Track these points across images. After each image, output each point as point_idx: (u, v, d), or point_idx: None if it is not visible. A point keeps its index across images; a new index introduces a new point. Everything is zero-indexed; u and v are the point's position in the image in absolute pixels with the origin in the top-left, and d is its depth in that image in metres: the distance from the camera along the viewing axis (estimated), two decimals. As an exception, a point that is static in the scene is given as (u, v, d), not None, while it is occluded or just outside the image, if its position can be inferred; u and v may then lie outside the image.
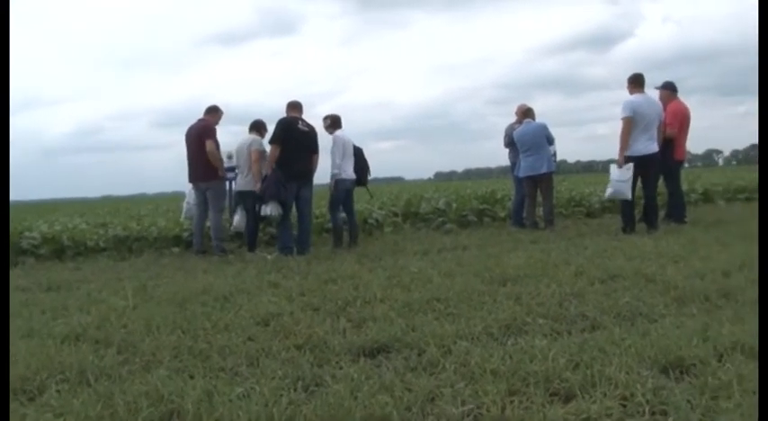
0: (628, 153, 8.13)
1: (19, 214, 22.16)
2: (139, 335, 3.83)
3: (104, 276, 6.74)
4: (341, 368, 3.04)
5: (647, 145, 8.10)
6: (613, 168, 8.34)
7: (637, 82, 8.33)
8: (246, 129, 8.59)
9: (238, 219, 8.50)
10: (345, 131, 8.50)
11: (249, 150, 8.15)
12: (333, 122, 8.47)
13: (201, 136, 8.17)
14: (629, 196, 8.27)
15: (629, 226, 8.24)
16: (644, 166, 8.12)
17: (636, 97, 8.22)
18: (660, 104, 8.50)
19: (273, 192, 7.61)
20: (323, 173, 8.31)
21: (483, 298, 4.45)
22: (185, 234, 9.29)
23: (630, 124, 8.08)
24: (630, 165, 8.14)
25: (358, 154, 8.58)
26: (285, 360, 3.21)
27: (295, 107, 8.11)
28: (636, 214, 8.53)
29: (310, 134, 8.07)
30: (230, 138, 9.15)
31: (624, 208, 8.41)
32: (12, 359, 3.32)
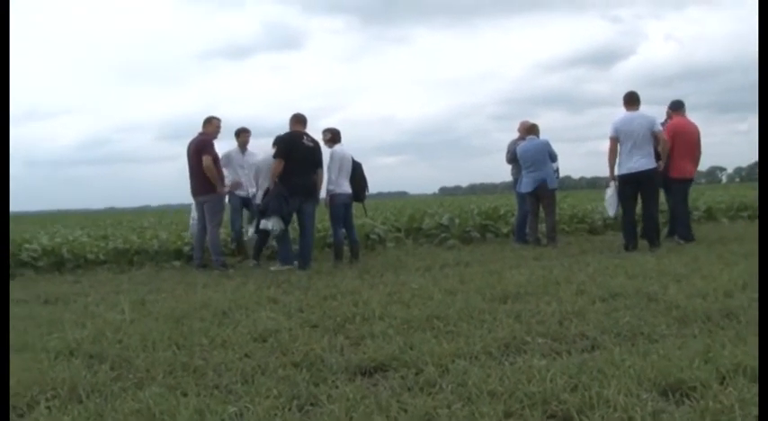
0: (619, 171, 8.26)
1: (21, 225, 22.18)
2: (134, 350, 3.79)
3: (103, 289, 6.72)
4: (337, 387, 3.00)
5: (641, 162, 8.08)
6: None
7: (628, 100, 8.36)
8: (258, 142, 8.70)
9: (253, 231, 8.50)
10: (345, 146, 8.48)
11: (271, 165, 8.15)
12: (333, 137, 8.41)
13: (199, 151, 8.14)
14: (610, 213, 8.79)
15: (630, 243, 8.21)
16: (639, 183, 8.14)
17: (621, 115, 8.27)
18: (653, 119, 8.39)
19: (275, 206, 7.58)
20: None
21: (483, 315, 4.40)
22: (186, 247, 9.28)
23: (614, 143, 8.24)
24: (612, 183, 8.43)
25: (357, 169, 8.53)
26: (281, 378, 3.17)
27: (300, 121, 8.05)
28: (639, 231, 8.50)
29: (315, 149, 8.02)
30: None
31: (626, 225, 8.39)
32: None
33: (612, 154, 8.30)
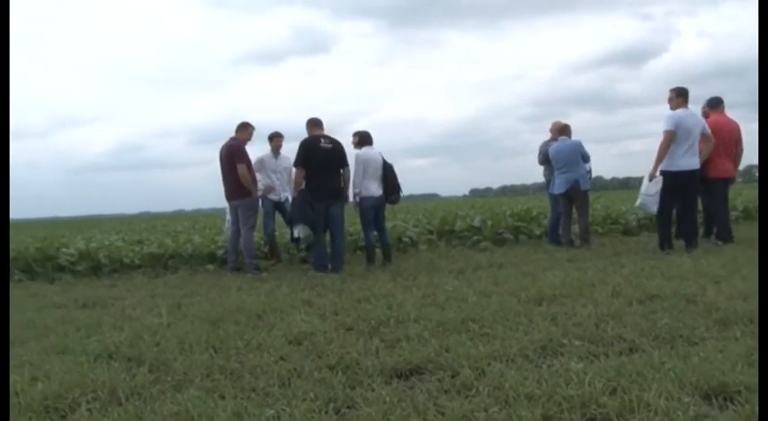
0: (670, 168, 7.94)
1: (58, 230, 22.60)
2: (172, 353, 3.84)
3: (139, 293, 6.81)
4: (373, 390, 3.00)
5: (690, 160, 7.88)
6: (645, 181, 8.24)
7: (682, 95, 8.08)
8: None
9: (289, 239, 8.51)
10: (375, 148, 8.42)
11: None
12: (360, 139, 8.38)
13: (231, 157, 8.18)
14: (654, 210, 8.23)
15: (666, 244, 8.05)
16: (686, 182, 7.93)
17: (680, 111, 8.01)
18: (703, 119, 8.26)
19: (299, 214, 7.59)
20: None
21: (518, 318, 4.36)
22: (220, 251, 9.36)
23: (671, 138, 7.87)
24: (659, 178, 8.03)
25: (388, 171, 8.42)
26: (317, 381, 3.18)
27: (316, 125, 8.04)
28: (674, 231, 8.34)
29: (335, 150, 7.95)
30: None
31: (661, 225, 8.22)
32: (46, 376, 3.36)
33: (667, 148, 7.92)
